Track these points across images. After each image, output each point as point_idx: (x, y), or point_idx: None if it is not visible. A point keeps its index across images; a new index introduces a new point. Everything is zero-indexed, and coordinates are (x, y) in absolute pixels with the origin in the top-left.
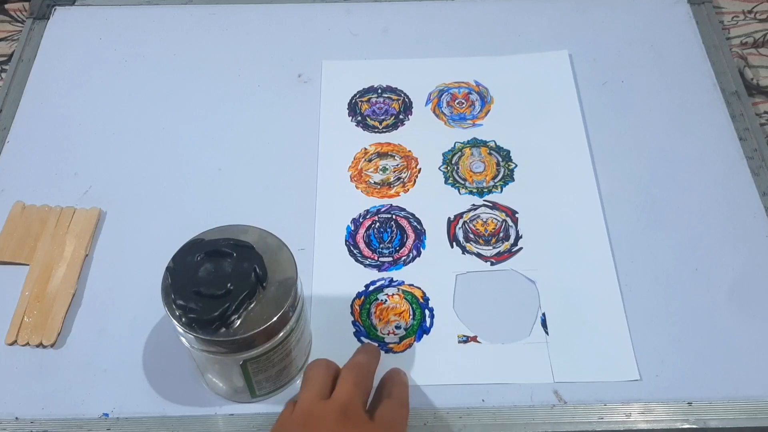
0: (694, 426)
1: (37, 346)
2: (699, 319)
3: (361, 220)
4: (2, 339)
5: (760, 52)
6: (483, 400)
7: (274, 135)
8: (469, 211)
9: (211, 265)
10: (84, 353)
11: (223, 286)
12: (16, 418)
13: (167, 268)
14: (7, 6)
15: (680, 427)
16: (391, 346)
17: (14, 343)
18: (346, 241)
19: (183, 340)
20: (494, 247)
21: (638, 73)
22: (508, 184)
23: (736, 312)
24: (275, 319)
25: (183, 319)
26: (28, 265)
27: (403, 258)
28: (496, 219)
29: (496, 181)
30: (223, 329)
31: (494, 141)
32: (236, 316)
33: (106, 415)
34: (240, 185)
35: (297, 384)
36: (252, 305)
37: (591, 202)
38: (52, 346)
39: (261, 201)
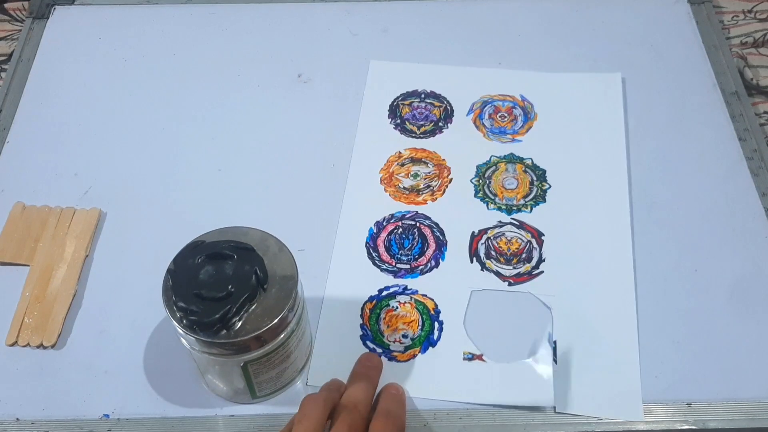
0: (693, 427)
1: (38, 347)
2: (698, 319)
3: (384, 223)
4: (3, 340)
5: (760, 52)
6: None
7: (274, 135)
8: (495, 227)
9: (212, 268)
10: (84, 354)
11: (224, 288)
12: (17, 419)
13: (168, 271)
14: (6, 5)
15: (679, 428)
16: (395, 354)
17: (15, 344)
18: (366, 242)
19: (184, 341)
20: (515, 267)
21: (638, 73)
22: (539, 204)
23: (736, 313)
24: (276, 321)
25: (184, 322)
26: (28, 265)
27: (421, 267)
28: (521, 239)
29: (527, 200)
30: (224, 331)
31: (531, 159)
32: (237, 318)
33: (107, 416)
34: (239, 185)
35: (297, 385)
36: (253, 307)
37: (621, 234)
38: (52, 347)
39: (260, 201)
